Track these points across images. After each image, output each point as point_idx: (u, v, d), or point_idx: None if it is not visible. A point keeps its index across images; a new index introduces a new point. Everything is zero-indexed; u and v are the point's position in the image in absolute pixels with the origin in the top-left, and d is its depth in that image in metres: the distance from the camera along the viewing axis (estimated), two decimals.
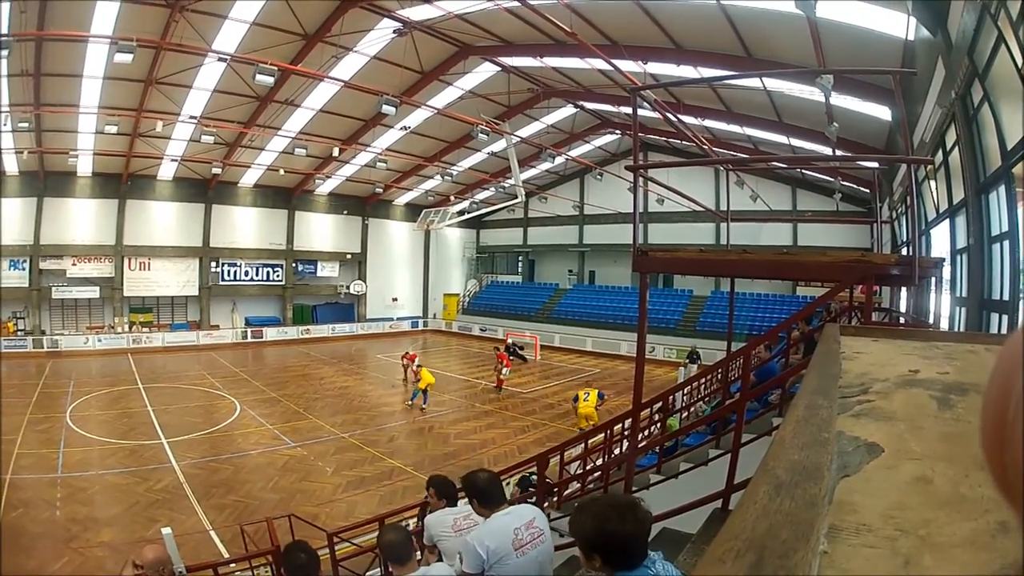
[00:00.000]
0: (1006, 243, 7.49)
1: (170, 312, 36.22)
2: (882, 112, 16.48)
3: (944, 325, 11.01)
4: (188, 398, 21.84)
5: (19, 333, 30.59)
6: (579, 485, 9.13)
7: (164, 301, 35.85)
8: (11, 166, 28.16)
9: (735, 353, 9.24)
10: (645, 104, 11.79)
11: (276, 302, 40.03)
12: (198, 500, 12.45)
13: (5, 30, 15.93)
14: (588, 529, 2.34)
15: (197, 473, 14.09)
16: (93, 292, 32.34)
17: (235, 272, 37.73)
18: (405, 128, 29.66)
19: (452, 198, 41.10)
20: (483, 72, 25.77)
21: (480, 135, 23.29)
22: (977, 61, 7.96)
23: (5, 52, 14.23)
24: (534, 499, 7.88)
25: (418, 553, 4.64)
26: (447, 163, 33.86)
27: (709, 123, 25.32)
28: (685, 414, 12.28)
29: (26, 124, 21.37)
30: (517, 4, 16.62)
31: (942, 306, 11.71)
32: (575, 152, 35.71)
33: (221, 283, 37.02)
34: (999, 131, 7.48)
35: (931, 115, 11.11)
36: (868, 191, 24.36)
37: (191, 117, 24.47)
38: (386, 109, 19.94)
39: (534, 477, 9.59)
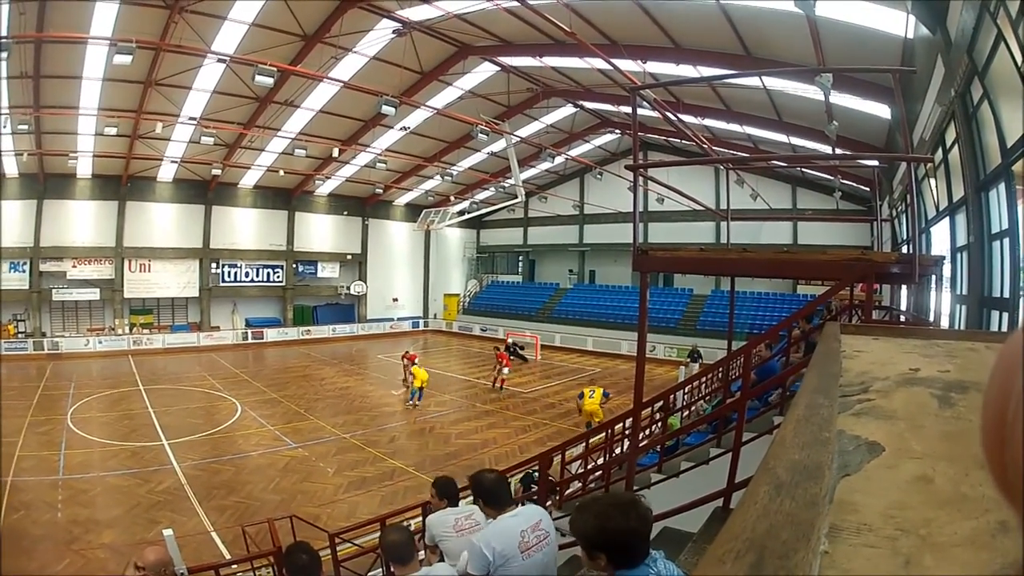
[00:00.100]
0: (1006, 241, 7.49)
1: (170, 313, 36.22)
2: (882, 110, 16.49)
3: (944, 323, 11.01)
4: (189, 399, 21.86)
5: (19, 335, 30.57)
6: (580, 484, 9.13)
7: (164, 303, 35.85)
8: (11, 168, 28.19)
9: (736, 352, 9.25)
10: (645, 103, 11.80)
11: (276, 303, 40.04)
12: (199, 501, 12.45)
13: (4, 32, 15.92)
14: (591, 528, 2.34)
15: (198, 474, 14.10)
16: (93, 294, 32.33)
17: (235, 273, 37.72)
18: (405, 128, 29.66)
19: (452, 198, 41.09)
20: (482, 72, 25.77)
21: (480, 135, 23.29)
22: (976, 59, 7.96)
23: (4, 54, 14.23)
24: (535, 498, 7.88)
25: (420, 553, 4.64)
26: (447, 163, 33.86)
27: (709, 122, 25.32)
28: (686, 413, 12.28)
29: (26, 126, 21.37)
30: (516, 4, 16.62)
31: (942, 304, 11.71)
32: (575, 152, 35.71)
33: (221, 284, 37.02)
34: (999, 129, 7.48)
35: (931, 113, 11.11)
36: (868, 189, 24.36)
37: (191, 118, 24.46)
38: (386, 109, 19.94)
39: (537, 474, 9.61)
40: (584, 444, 9.73)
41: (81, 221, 31.51)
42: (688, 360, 27.02)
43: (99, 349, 31.39)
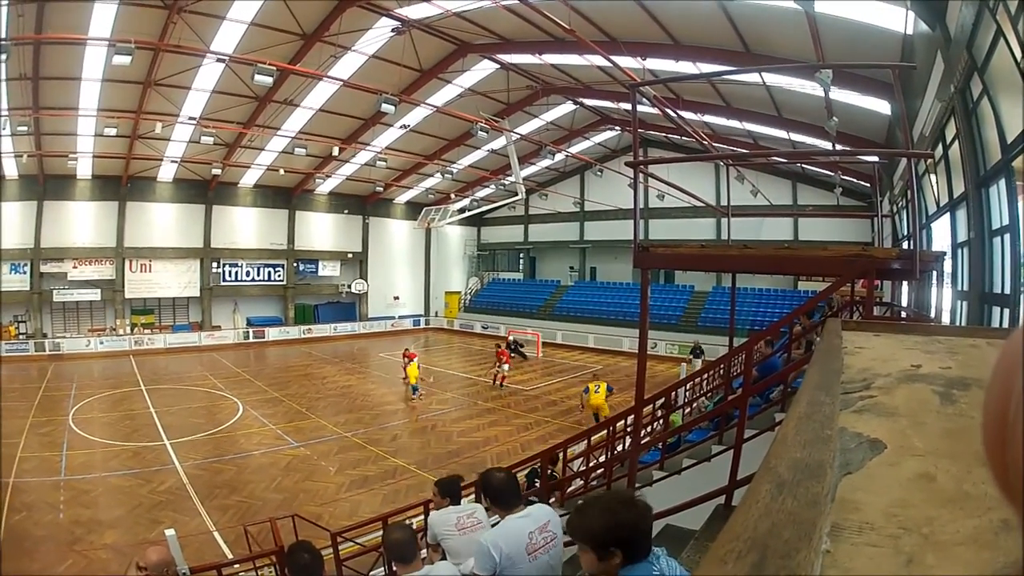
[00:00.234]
0: (1006, 236, 7.49)
1: (172, 313, 36.24)
2: (882, 106, 16.47)
3: (946, 319, 11.01)
4: (191, 399, 21.89)
5: (20, 336, 30.59)
6: (583, 482, 9.13)
7: (165, 302, 35.88)
8: (11, 170, 28.22)
9: (737, 348, 9.25)
10: (644, 100, 11.79)
11: (278, 302, 40.05)
12: (201, 501, 12.47)
13: (3, 34, 15.92)
14: (603, 525, 2.32)
15: (200, 474, 14.11)
16: (94, 294, 32.34)
17: (236, 272, 37.74)
18: (405, 127, 29.65)
19: (452, 196, 41.05)
20: (482, 70, 25.74)
21: (480, 133, 23.25)
22: (976, 55, 7.96)
23: (3, 56, 14.22)
24: (535, 497, 7.88)
25: (423, 552, 4.64)
26: (447, 161, 33.82)
27: (709, 118, 25.29)
28: (687, 410, 12.27)
29: (25, 128, 21.38)
30: (515, 2, 16.64)
31: (943, 300, 11.71)
32: (575, 149, 35.67)
33: (222, 284, 37.05)
34: (999, 125, 7.48)
35: (931, 109, 11.10)
36: (868, 185, 24.31)
37: (190, 118, 24.45)
38: (385, 108, 19.92)
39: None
40: (586, 441, 9.71)
41: (81, 222, 31.53)
42: (691, 356, 27.03)
43: (100, 350, 31.42)
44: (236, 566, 8.13)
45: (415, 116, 28.75)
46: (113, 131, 22.84)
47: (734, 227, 11.97)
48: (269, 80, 17.52)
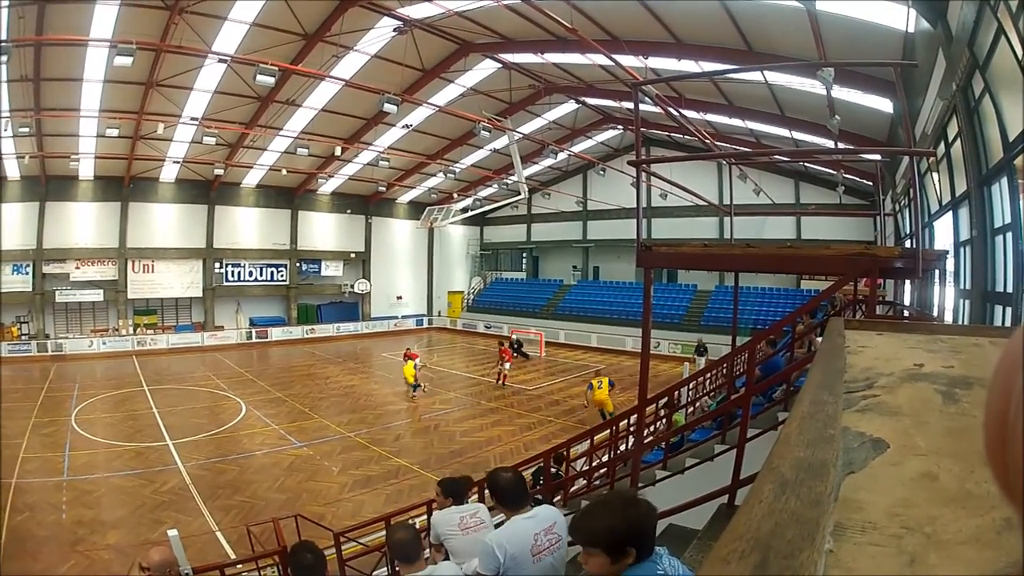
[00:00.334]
0: (1009, 235, 7.48)
1: (174, 314, 36.27)
2: (883, 104, 16.45)
3: (948, 318, 10.99)
4: (193, 399, 21.92)
5: (23, 337, 30.65)
6: (586, 481, 9.13)
7: (168, 303, 35.90)
8: (13, 171, 28.25)
9: (740, 348, 9.25)
10: (647, 99, 11.78)
11: (280, 302, 40.08)
12: (204, 501, 12.48)
13: (4, 36, 15.95)
14: (618, 524, 2.31)
15: (203, 474, 14.13)
16: (97, 295, 32.38)
17: (239, 273, 37.77)
18: (407, 126, 29.69)
19: (455, 195, 41.05)
20: (484, 69, 25.74)
21: (482, 132, 23.23)
22: (977, 53, 7.95)
23: (5, 57, 14.25)
24: (539, 497, 7.88)
25: (426, 552, 4.65)
26: (450, 160, 33.82)
27: (711, 117, 25.29)
28: (690, 409, 12.28)
29: (27, 129, 21.42)
30: (517, 1, 16.63)
31: (946, 299, 11.69)
32: (577, 148, 35.66)
33: (225, 284, 37.08)
34: (1000, 123, 7.47)
35: (932, 107, 11.09)
36: (871, 184, 24.27)
37: (192, 119, 24.48)
38: (388, 107, 19.94)
39: (552, 469, 9.66)
40: (589, 441, 9.72)
41: (84, 223, 31.56)
42: (695, 355, 27.08)
43: (103, 350, 31.46)
44: (239, 566, 8.13)
45: (417, 116, 28.78)
46: (115, 132, 22.83)
47: (737, 226, 11.97)
48: (271, 80, 17.54)
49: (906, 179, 15.48)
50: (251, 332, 37.30)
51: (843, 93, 16.40)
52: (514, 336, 34.19)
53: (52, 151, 26.45)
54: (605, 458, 9.37)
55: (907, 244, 16.67)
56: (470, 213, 38.59)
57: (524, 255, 49.91)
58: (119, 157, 28.38)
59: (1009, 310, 7.56)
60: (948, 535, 0.75)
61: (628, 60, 19.14)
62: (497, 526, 4.13)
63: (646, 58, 19.74)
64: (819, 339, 8.37)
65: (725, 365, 11.37)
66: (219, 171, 30.14)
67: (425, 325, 46.56)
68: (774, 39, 16.19)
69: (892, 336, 2.26)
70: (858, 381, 1.57)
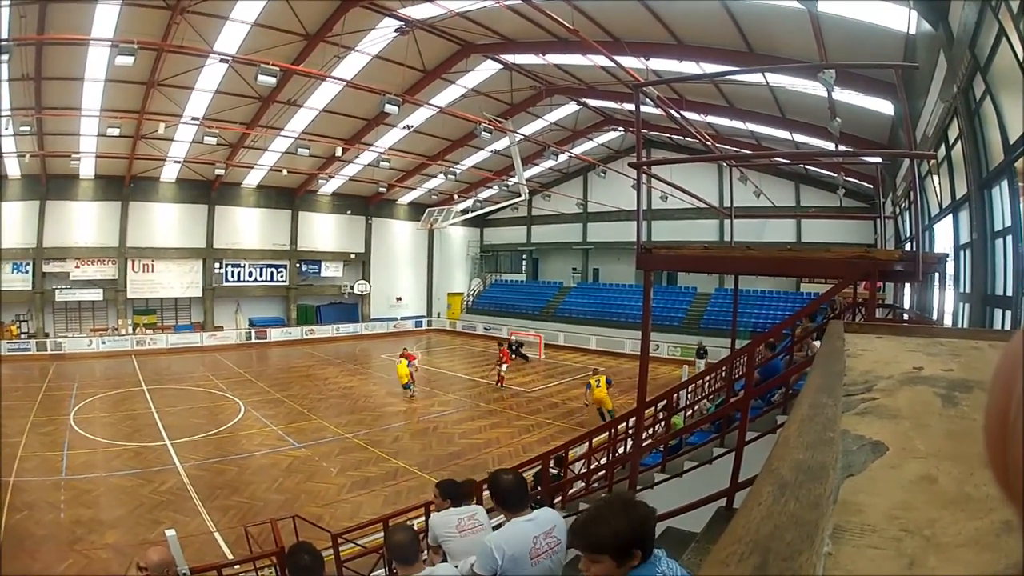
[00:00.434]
0: (1009, 238, 7.48)
1: (174, 313, 36.27)
2: (884, 107, 16.47)
3: (948, 321, 11.00)
4: (192, 399, 21.92)
5: (22, 336, 30.65)
6: (584, 484, 9.14)
7: (168, 303, 35.90)
8: (13, 170, 28.26)
9: (739, 351, 9.25)
10: (648, 100, 11.77)
11: (280, 303, 40.10)
12: (202, 502, 12.48)
13: (5, 35, 15.95)
14: (625, 527, 2.29)
15: (201, 474, 14.12)
16: (96, 294, 32.38)
17: (239, 273, 37.77)
18: (408, 127, 29.71)
19: (455, 197, 41.11)
20: (485, 70, 25.76)
21: (483, 133, 23.26)
22: (979, 55, 7.96)
23: (6, 56, 14.25)
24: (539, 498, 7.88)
25: (424, 554, 4.64)
26: (450, 162, 33.84)
27: (712, 119, 25.31)
28: (689, 412, 12.28)
29: (28, 128, 21.41)
30: (519, 2, 16.65)
31: (945, 302, 11.70)
32: (578, 149, 35.70)
33: (225, 284, 37.08)
34: (1001, 125, 7.47)
35: (933, 109, 11.10)
36: (871, 187, 24.30)
37: (193, 118, 24.50)
38: (389, 108, 19.97)
39: (553, 471, 9.68)
40: (587, 443, 9.72)
41: (84, 222, 31.57)
42: (696, 357, 27.15)
43: (102, 349, 31.47)
44: (236, 567, 8.14)
45: (418, 117, 28.78)
46: (116, 131, 22.87)
47: (737, 229, 11.96)
48: (272, 80, 17.56)
49: (906, 182, 15.48)
50: (250, 332, 37.30)
51: (844, 95, 16.43)
52: (513, 338, 34.20)
53: (53, 150, 26.45)
54: (604, 460, 9.38)
55: (907, 247, 16.69)
56: (470, 214, 38.59)
57: (524, 257, 49.93)
58: (120, 156, 28.38)
59: (1009, 314, 7.56)
60: (947, 537, 0.75)
61: (629, 61, 19.16)
62: (496, 528, 4.12)
63: (647, 59, 19.77)
64: (816, 343, 8.39)
65: (724, 368, 11.38)
66: (220, 171, 30.18)
67: (425, 327, 46.57)
68: (775, 41, 16.22)
69: (892, 339, 2.25)
70: (857, 384, 1.57)
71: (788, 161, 29.41)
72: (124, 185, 32.02)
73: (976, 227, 8.69)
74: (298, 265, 39.97)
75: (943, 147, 11.39)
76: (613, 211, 38.94)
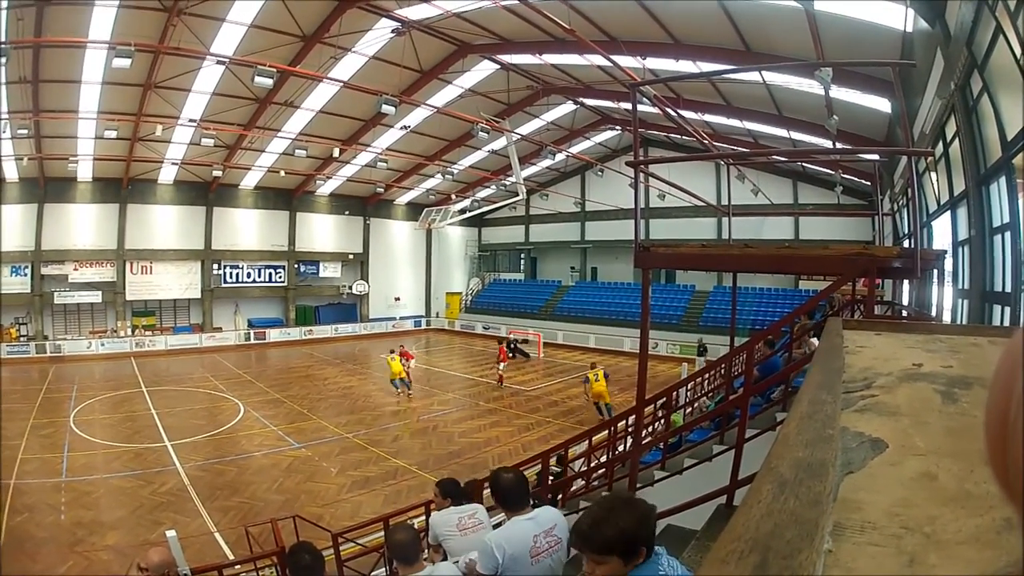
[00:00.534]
0: (1007, 234, 7.49)
1: (173, 315, 36.23)
2: (882, 104, 16.46)
3: (946, 318, 11.00)
4: (192, 401, 21.90)
5: (22, 339, 30.60)
6: (583, 482, 9.13)
7: (167, 304, 35.85)
8: (11, 173, 28.21)
9: (738, 348, 9.25)
10: (645, 100, 11.79)
11: (279, 303, 40.08)
12: (203, 502, 12.47)
13: (3, 37, 15.94)
14: (630, 525, 2.30)
15: (201, 475, 14.12)
16: (95, 296, 32.36)
17: (237, 274, 37.75)
18: (405, 127, 29.66)
19: (453, 197, 41.07)
20: (482, 70, 25.74)
21: (480, 133, 23.24)
22: (976, 52, 7.96)
23: (3, 59, 14.25)
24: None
25: (425, 553, 4.64)
26: (448, 162, 33.82)
27: (709, 118, 25.29)
28: (689, 410, 12.27)
29: (25, 131, 21.41)
30: (515, 2, 16.64)
31: (944, 299, 11.70)
32: (575, 149, 35.64)
33: (223, 285, 37.06)
34: (999, 122, 7.48)
35: (931, 107, 11.10)
36: (869, 184, 24.31)
37: (191, 120, 24.47)
38: (386, 109, 19.92)
39: (555, 469, 9.70)
40: (587, 442, 9.72)
41: (82, 224, 31.55)
42: (697, 355, 27.24)
43: (101, 351, 31.42)
44: (237, 567, 8.13)
45: (415, 117, 28.74)
46: (113, 133, 22.86)
47: (735, 226, 11.98)
48: (269, 82, 17.53)
49: (904, 179, 15.48)
50: (249, 333, 37.28)
51: (841, 93, 16.41)
52: (511, 336, 34.21)
53: (51, 153, 26.45)
54: (603, 458, 9.37)
55: (905, 244, 16.68)
56: (468, 214, 38.63)
57: (522, 256, 49.91)
58: (117, 159, 28.34)
59: (1008, 310, 7.57)
60: (948, 535, 0.75)
61: (626, 61, 19.14)
62: (496, 526, 4.12)
63: (644, 59, 19.75)
64: (813, 340, 8.40)
65: (723, 365, 11.38)
66: (217, 173, 30.19)
67: (423, 326, 46.56)
68: (772, 39, 16.21)
69: (891, 336, 2.25)
70: (857, 381, 1.57)
71: (786, 159, 29.45)
72: (122, 187, 32.00)
73: (974, 223, 8.69)
74: (296, 266, 39.95)
75: (941, 144, 11.39)
76: (611, 210, 38.94)
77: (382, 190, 37.45)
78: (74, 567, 9.57)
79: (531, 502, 3.86)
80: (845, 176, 26.40)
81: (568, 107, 31.23)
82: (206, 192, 35.17)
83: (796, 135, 23.19)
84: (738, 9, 15.36)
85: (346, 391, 24.14)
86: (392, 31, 20.74)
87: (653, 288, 26.39)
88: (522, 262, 50.03)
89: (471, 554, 3.61)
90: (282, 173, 32.74)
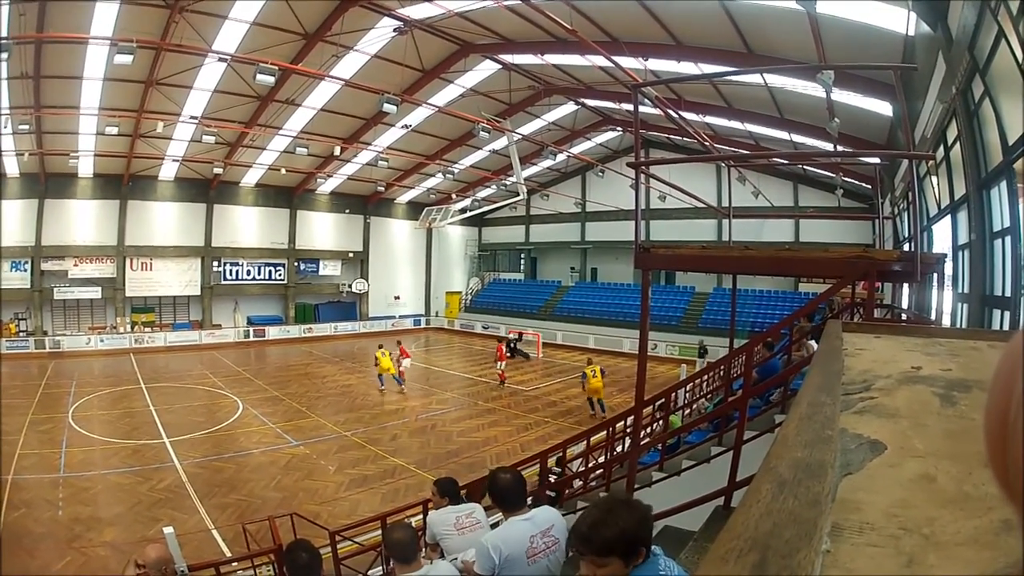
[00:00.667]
0: (1007, 239, 7.49)
1: (172, 312, 36.25)
2: (883, 108, 16.47)
3: (946, 321, 11.00)
4: (190, 397, 21.88)
5: (21, 334, 30.62)
6: (581, 482, 9.14)
7: (166, 301, 35.88)
8: (12, 168, 28.21)
9: (737, 350, 9.25)
10: (646, 101, 11.79)
11: (278, 301, 40.07)
12: (200, 499, 12.47)
13: (5, 33, 15.93)
14: (631, 525, 2.30)
15: (199, 472, 14.12)
16: (95, 292, 32.36)
17: (237, 271, 37.76)
18: (406, 126, 29.67)
19: (454, 196, 41.06)
20: (484, 70, 25.74)
21: (481, 133, 23.24)
22: (978, 56, 7.96)
23: (5, 55, 14.22)
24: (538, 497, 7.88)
25: (422, 551, 4.64)
26: (449, 161, 33.82)
27: (710, 119, 25.29)
28: (687, 411, 12.28)
29: (27, 126, 21.40)
30: (518, 2, 16.64)
31: (944, 302, 11.71)
32: (576, 149, 35.67)
33: (223, 282, 37.05)
34: (1000, 126, 7.48)
35: (932, 111, 11.11)
36: (870, 187, 24.34)
37: (192, 117, 24.47)
38: (387, 108, 19.93)
39: (556, 470, 9.70)
40: (585, 442, 9.73)
41: (82, 220, 31.54)
42: (698, 356, 27.31)
43: (101, 347, 31.41)
44: (234, 564, 8.13)
45: (417, 116, 28.76)
46: (114, 130, 22.89)
47: (735, 228, 11.97)
48: (271, 80, 17.54)
49: (905, 182, 15.48)
50: (249, 331, 37.28)
51: (843, 96, 16.43)
52: (511, 335, 34.21)
53: (51, 148, 26.46)
54: (602, 459, 9.38)
55: (906, 247, 16.69)
56: (469, 214, 38.60)
57: (522, 256, 49.97)
58: (118, 155, 28.31)
59: (1007, 314, 7.57)
60: (946, 536, 0.75)
61: (628, 62, 19.15)
62: (494, 526, 4.12)
63: (646, 60, 19.76)
64: (811, 342, 8.40)
65: (722, 367, 11.38)
66: (218, 170, 30.22)
67: (423, 325, 46.54)
68: (774, 42, 16.21)
69: (890, 339, 2.26)
70: (856, 383, 1.57)
71: (786, 161, 29.47)
72: (123, 184, 32.00)
73: (975, 228, 8.69)
74: (296, 264, 39.95)
75: (942, 148, 11.39)
76: (611, 210, 38.93)
77: (383, 189, 37.45)
78: (71, 563, 9.57)
79: (528, 502, 3.86)
80: (846, 179, 26.43)
81: (569, 107, 31.25)
82: (207, 189, 35.18)
83: (797, 137, 23.21)
84: (740, 11, 15.37)
85: (345, 389, 24.13)
86: (394, 30, 20.74)
87: (653, 289, 26.38)
88: (522, 262, 50.08)
89: (468, 553, 3.61)
90: (283, 171, 32.77)
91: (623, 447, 9.63)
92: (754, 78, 19.07)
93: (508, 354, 28.16)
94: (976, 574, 0.67)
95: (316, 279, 41.34)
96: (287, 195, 38.75)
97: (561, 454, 9.63)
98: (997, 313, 8.12)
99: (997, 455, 0.39)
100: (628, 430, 9.30)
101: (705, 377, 13.66)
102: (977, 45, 7.86)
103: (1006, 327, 7.51)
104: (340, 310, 42.42)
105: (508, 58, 24.85)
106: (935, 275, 11.56)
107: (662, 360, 30.43)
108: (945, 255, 10.57)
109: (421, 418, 19.55)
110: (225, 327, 36.89)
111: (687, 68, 19.34)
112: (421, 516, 8.16)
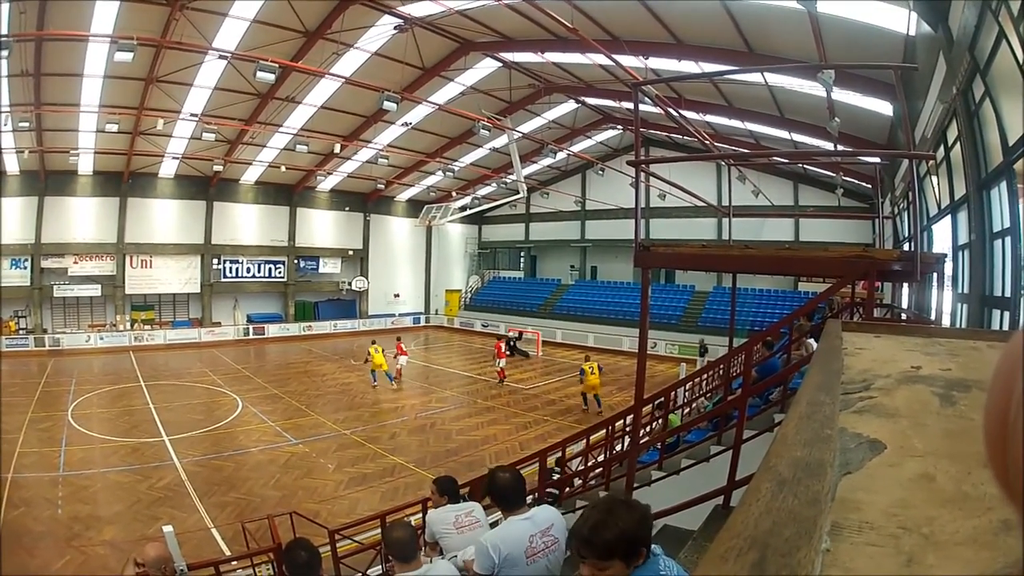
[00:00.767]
0: (1007, 239, 7.49)
1: (172, 309, 36.25)
2: (884, 107, 16.46)
3: (946, 321, 11.00)
4: (190, 395, 21.88)
5: (21, 332, 30.60)
6: (580, 481, 9.14)
7: (166, 298, 35.87)
8: (12, 165, 28.17)
9: (737, 349, 9.25)
10: (646, 99, 11.77)
11: (278, 299, 40.07)
12: (200, 498, 12.47)
13: (5, 30, 15.92)
14: (629, 528, 2.29)
15: (199, 471, 14.12)
16: (95, 290, 32.37)
17: (237, 269, 37.76)
18: (406, 124, 29.67)
19: (454, 194, 41.00)
20: (484, 68, 25.73)
21: (482, 131, 23.22)
22: (978, 57, 7.95)
23: (5, 52, 14.22)
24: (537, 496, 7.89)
25: (422, 550, 4.64)
26: (449, 159, 33.84)
27: (711, 118, 25.29)
28: (687, 410, 12.28)
29: (27, 124, 21.39)
30: (518, 0, 16.62)
31: (944, 302, 11.70)
32: (577, 147, 35.62)
33: (223, 280, 37.05)
34: (1000, 127, 7.47)
35: (932, 110, 11.10)
36: (870, 187, 24.32)
37: (192, 115, 24.48)
38: (387, 105, 19.91)
39: (556, 470, 9.71)
40: (585, 441, 9.72)
41: (82, 218, 31.52)
42: (699, 355, 27.36)
43: (100, 345, 31.38)
44: (234, 563, 8.13)
45: (417, 114, 28.77)
46: (114, 127, 22.91)
47: (735, 227, 11.97)
48: (271, 77, 17.54)
49: (905, 182, 15.48)
50: (248, 328, 37.28)
51: (843, 95, 16.42)
52: (511, 333, 34.22)
53: (52, 146, 26.45)
54: (601, 458, 9.38)
55: (906, 247, 16.69)
56: (469, 212, 38.62)
57: (522, 254, 49.95)
58: (118, 152, 28.29)
59: (1007, 314, 7.57)
60: (946, 536, 0.75)
61: (628, 60, 19.15)
62: (493, 525, 4.12)
63: (646, 58, 19.76)
64: (810, 341, 8.40)
65: (722, 366, 11.38)
66: (218, 167, 30.19)
67: (423, 323, 46.52)
68: (775, 41, 16.21)
69: (890, 338, 2.26)
70: (855, 383, 1.58)
71: (787, 160, 29.44)
72: (123, 181, 31.99)
73: (975, 228, 8.69)
74: (296, 261, 39.95)
75: (942, 148, 11.39)
76: (611, 209, 38.94)
77: (383, 186, 37.49)
78: (71, 562, 9.57)
79: (527, 501, 3.86)
80: (846, 179, 26.42)
81: (570, 106, 31.23)
82: (206, 187, 35.17)
83: (797, 137, 23.20)
84: (741, 10, 15.37)
85: (344, 387, 24.14)
86: (395, 27, 20.76)
87: (653, 288, 26.38)
88: (522, 260, 50.06)
89: (468, 551, 3.61)
90: (283, 168, 32.70)
91: (622, 446, 9.63)
92: (755, 77, 19.06)
93: (507, 352, 28.15)
94: (976, 574, 0.67)
95: (316, 277, 41.34)
96: (287, 192, 38.74)
97: (560, 453, 9.63)
98: (997, 313, 8.12)
99: (996, 455, 0.39)
100: (627, 429, 9.30)
101: (704, 376, 13.67)
102: (978, 45, 7.86)
103: (1006, 327, 7.51)
104: (340, 308, 42.42)
105: (508, 56, 24.85)
106: (935, 275, 11.56)
107: (662, 359, 30.43)
108: (945, 255, 10.57)
109: (420, 416, 19.55)
110: (225, 325, 36.89)
111: (688, 67, 19.33)
112: (420, 515, 8.16)
